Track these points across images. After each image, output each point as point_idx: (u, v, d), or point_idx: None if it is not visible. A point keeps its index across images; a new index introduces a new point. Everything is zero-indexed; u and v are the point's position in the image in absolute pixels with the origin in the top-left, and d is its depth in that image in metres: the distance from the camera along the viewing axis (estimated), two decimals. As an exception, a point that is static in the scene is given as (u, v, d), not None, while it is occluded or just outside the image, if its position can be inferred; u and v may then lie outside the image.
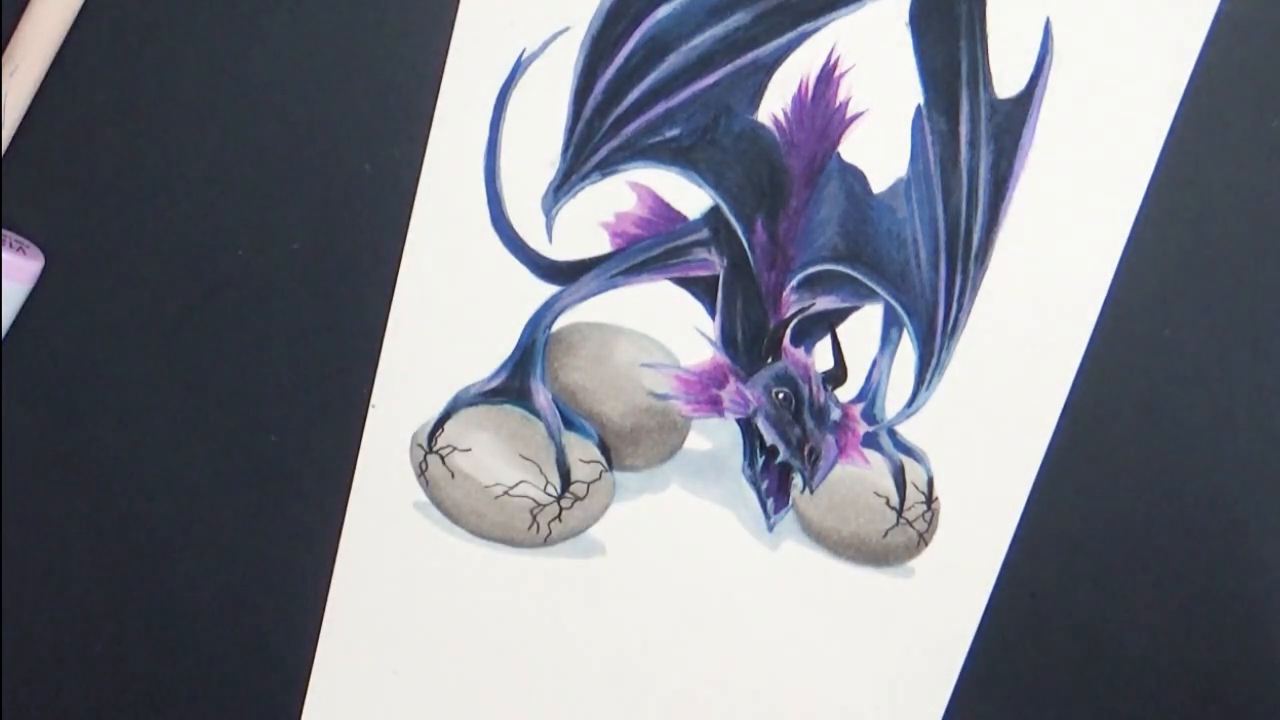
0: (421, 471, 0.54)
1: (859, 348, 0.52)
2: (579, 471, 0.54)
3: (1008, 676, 0.55)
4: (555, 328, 0.53)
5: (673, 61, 0.50)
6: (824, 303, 0.52)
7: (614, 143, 0.51)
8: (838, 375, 0.52)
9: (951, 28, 0.49)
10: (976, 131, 0.50)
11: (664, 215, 0.51)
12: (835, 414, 0.53)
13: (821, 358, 0.52)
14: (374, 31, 0.50)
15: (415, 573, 0.55)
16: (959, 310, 0.51)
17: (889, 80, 0.50)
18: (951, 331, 0.51)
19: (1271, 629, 0.54)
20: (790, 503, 0.54)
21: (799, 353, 0.52)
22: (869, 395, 0.52)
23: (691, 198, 0.51)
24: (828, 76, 0.50)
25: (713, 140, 0.50)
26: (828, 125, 0.50)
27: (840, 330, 0.52)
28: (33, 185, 0.52)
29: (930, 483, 0.53)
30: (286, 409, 0.54)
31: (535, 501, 0.54)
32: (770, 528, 0.54)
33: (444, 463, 0.54)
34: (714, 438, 0.54)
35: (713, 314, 0.52)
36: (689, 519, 0.54)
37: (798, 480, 0.53)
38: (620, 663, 0.56)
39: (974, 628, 0.54)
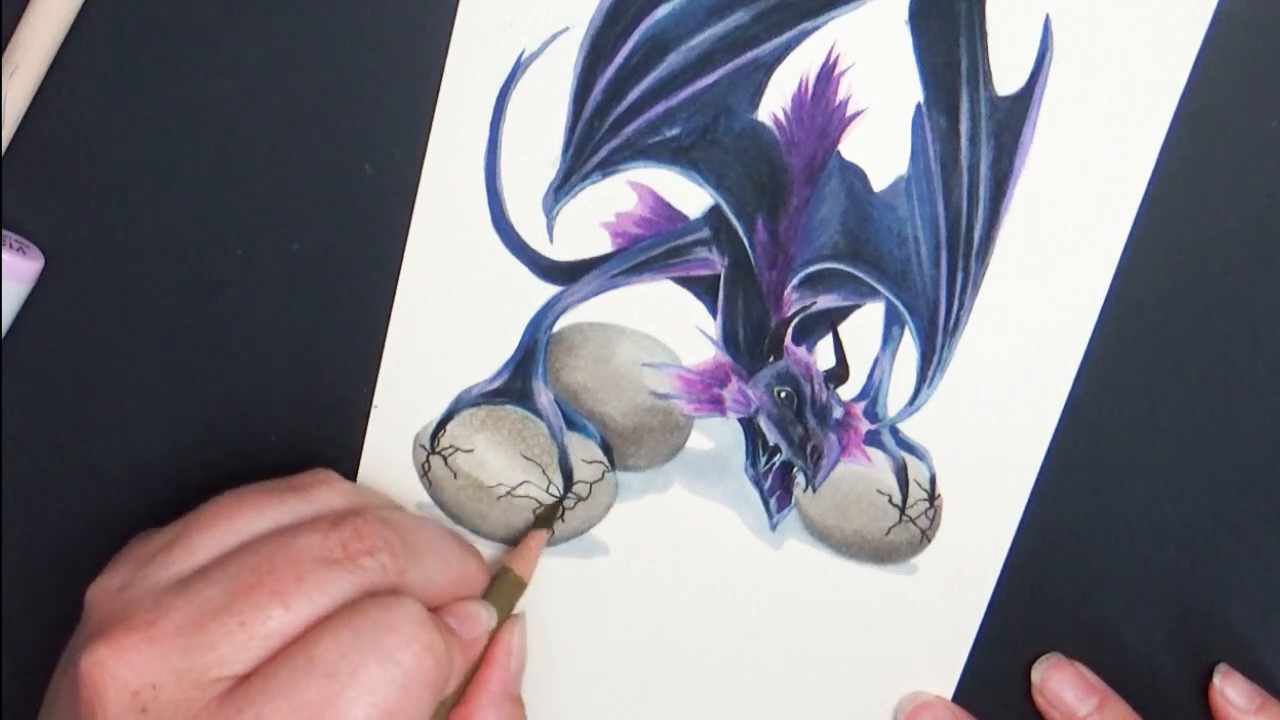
0: (424, 472, 0.54)
1: (860, 346, 0.52)
2: (581, 471, 0.54)
3: (1010, 673, 0.55)
4: (556, 328, 0.53)
5: (672, 61, 0.50)
6: (825, 301, 0.52)
7: (614, 143, 0.51)
8: (839, 373, 0.52)
9: (951, 25, 0.49)
10: (977, 129, 0.50)
11: (665, 215, 0.51)
12: (837, 412, 0.53)
13: (823, 356, 0.52)
14: (374, 31, 0.50)
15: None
16: (960, 308, 0.51)
17: (889, 78, 0.50)
18: (953, 329, 0.51)
19: (1272, 629, 0.54)
20: (793, 501, 0.54)
21: (801, 351, 0.52)
22: (871, 393, 0.52)
23: (692, 197, 0.51)
24: (827, 75, 0.50)
25: (713, 139, 0.50)
26: (828, 124, 0.50)
27: (842, 328, 0.52)
28: (33, 185, 0.52)
29: (933, 480, 0.53)
30: (288, 410, 0.54)
31: (538, 502, 0.54)
32: (773, 526, 0.54)
33: (446, 463, 0.54)
34: (716, 437, 0.53)
35: (714, 313, 0.52)
36: (692, 518, 0.54)
37: (800, 479, 0.53)
38: (623, 662, 0.56)
39: (977, 625, 0.54)
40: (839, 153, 0.50)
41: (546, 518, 0.54)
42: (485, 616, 0.50)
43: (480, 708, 0.49)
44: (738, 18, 0.49)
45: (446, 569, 0.48)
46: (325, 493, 0.49)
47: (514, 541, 0.55)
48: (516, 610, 0.52)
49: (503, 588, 0.52)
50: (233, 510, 0.47)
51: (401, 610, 0.44)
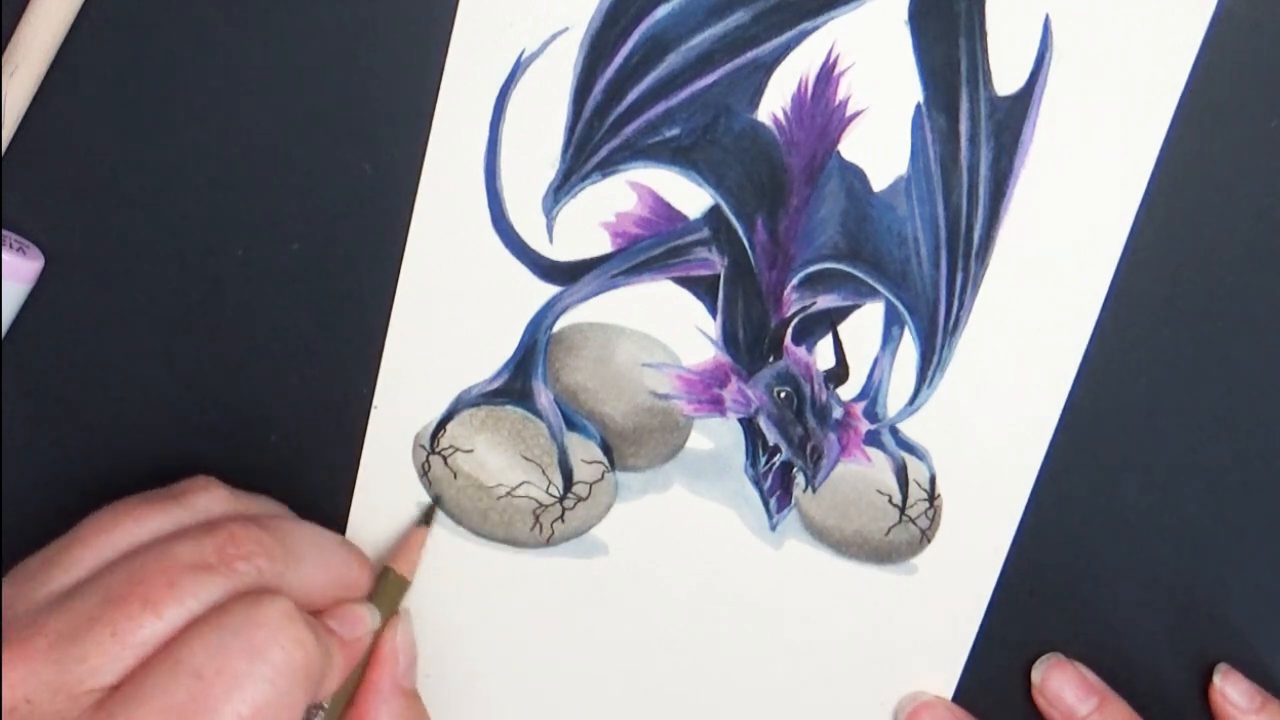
0: (424, 472, 0.54)
1: (860, 346, 0.52)
2: (581, 472, 0.54)
3: (1010, 673, 0.55)
4: (556, 328, 0.53)
5: (672, 61, 0.50)
6: (825, 301, 0.52)
7: (614, 143, 0.51)
8: (839, 373, 0.52)
9: (951, 25, 0.49)
10: (976, 129, 0.50)
11: (664, 215, 0.51)
12: (837, 412, 0.53)
13: (823, 356, 0.52)
14: (374, 31, 0.50)
15: (417, 573, 0.54)
16: (960, 308, 0.51)
17: (889, 78, 0.50)
18: (953, 329, 0.51)
19: (1272, 628, 0.54)
20: (793, 501, 0.54)
21: (800, 351, 0.52)
22: (871, 393, 0.52)
23: (692, 197, 0.51)
24: (827, 75, 0.50)
25: (713, 139, 0.50)
26: (828, 124, 0.50)
27: (841, 328, 0.52)
28: (33, 185, 0.52)
29: (932, 480, 0.53)
30: (288, 410, 0.54)
31: (538, 502, 0.54)
32: (773, 527, 0.54)
33: (446, 463, 0.54)
34: (716, 437, 0.53)
35: (714, 313, 0.52)
36: (691, 518, 0.54)
37: (800, 479, 0.53)
38: (623, 662, 0.56)
39: (977, 625, 0.54)
40: (839, 153, 0.50)
41: (426, 516, 0.54)
42: (368, 617, 0.50)
43: (371, 707, 0.50)
44: (738, 18, 0.49)
45: (327, 571, 0.48)
46: (205, 499, 0.49)
47: (513, 542, 0.55)
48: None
49: (386, 587, 0.52)
50: (112, 523, 0.47)
51: (267, 607, 0.44)
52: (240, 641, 0.43)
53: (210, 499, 0.49)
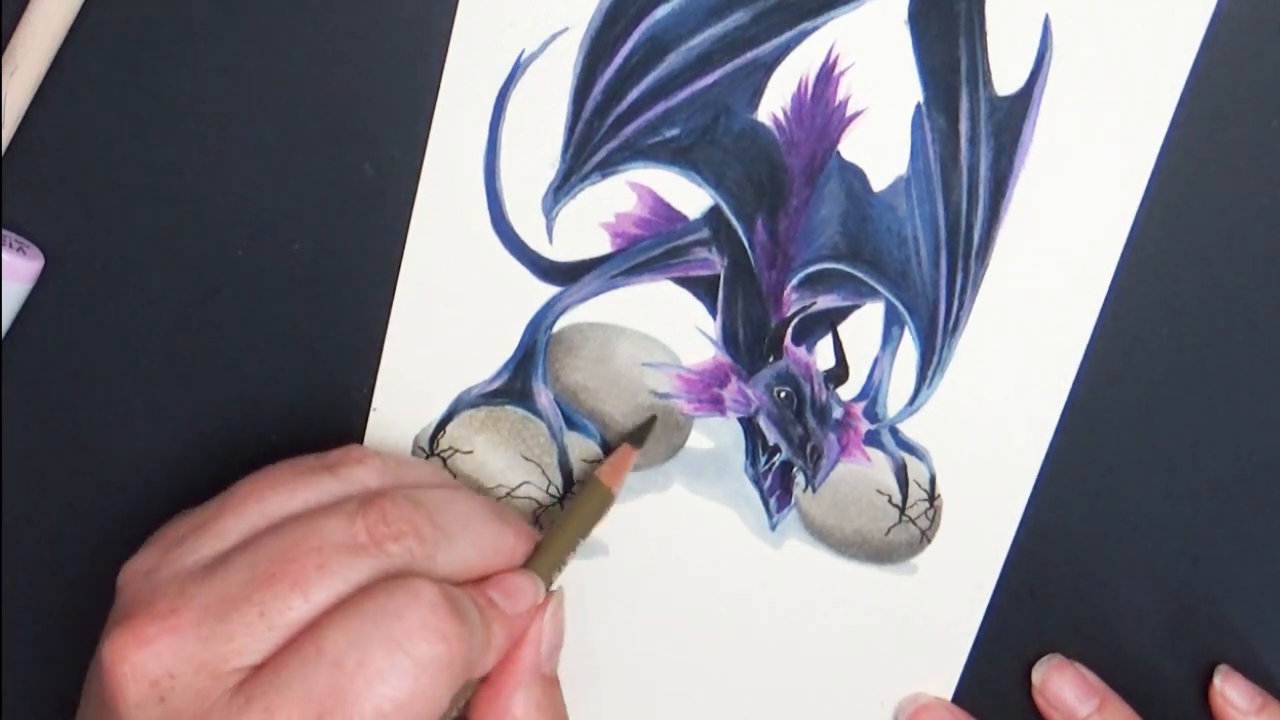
0: (424, 473, 0.54)
1: (860, 346, 0.52)
2: (581, 471, 0.54)
3: (1010, 673, 0.55)
4: (556, 328, 0.53)
5: (672, 61, 0.50)
6: (825, 301, 0.52)
7: (614, 143, 0.51)
8: (839, 373, 0.52)
9: (951, 25, 0.49)
10: (976, 129, 0.50)
11: (664, 215, 0.51)
12: (837, 412, 0.53)
13: (823, 356, 0.52)
14: (374, 31, 0.50)
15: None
16: (960, 308, 0.51)
17: (888, 78, 0.50)
18: (953, 329, 0.51)
19: (1272, 629, 0.54)
20: (793, 501, 0.54)
21: (800, 351, 0.52)
22: (871, 393, 0.52)
23: (691, 197, 0.51)
24: (827, 75, 0.50)
25: (712, 140, 0.50)
26: (827, 124, 0.50)
27: (841, 328, 0.52)
28: (33, 185, 0.52)
29: (932, 480, 0.53)
30: (287, 411, 0.54)
31: (538, 502, 0.54)
32: (773, 526, 0.54)
33: (446, 465, 0.54)
34: (716, 437, 0.53)
35: (714, 313, 0.52)
36: (691, 518, 0.54)
37: (800, 479, 0.53)
38: (623, 662, 0.56)
39: (977, 625, 0.54)
40: (839, 153, 0.50)
41: (639, 435, 0.53)
42: (531, 589, 0.48)
43: (506, 689, 0.48)
44: (737, 18, 0.49)
45: (480, 546, 0.47)
46: (358, 470, 0.47)
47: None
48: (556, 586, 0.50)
49: (590, 498, 0.50)
50: (264, 492, 0.46)
51: (410, 595, 0.43)
52: (380, 632, 0.42)
53: (364, 471, 0.47)
